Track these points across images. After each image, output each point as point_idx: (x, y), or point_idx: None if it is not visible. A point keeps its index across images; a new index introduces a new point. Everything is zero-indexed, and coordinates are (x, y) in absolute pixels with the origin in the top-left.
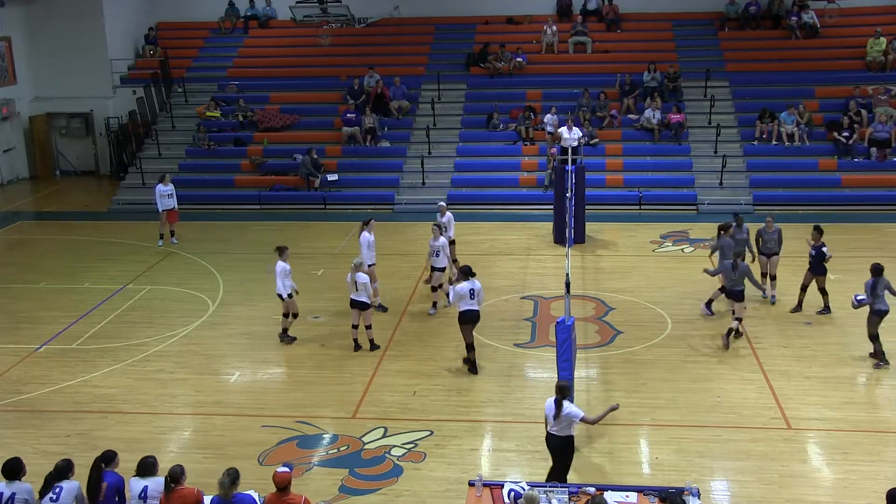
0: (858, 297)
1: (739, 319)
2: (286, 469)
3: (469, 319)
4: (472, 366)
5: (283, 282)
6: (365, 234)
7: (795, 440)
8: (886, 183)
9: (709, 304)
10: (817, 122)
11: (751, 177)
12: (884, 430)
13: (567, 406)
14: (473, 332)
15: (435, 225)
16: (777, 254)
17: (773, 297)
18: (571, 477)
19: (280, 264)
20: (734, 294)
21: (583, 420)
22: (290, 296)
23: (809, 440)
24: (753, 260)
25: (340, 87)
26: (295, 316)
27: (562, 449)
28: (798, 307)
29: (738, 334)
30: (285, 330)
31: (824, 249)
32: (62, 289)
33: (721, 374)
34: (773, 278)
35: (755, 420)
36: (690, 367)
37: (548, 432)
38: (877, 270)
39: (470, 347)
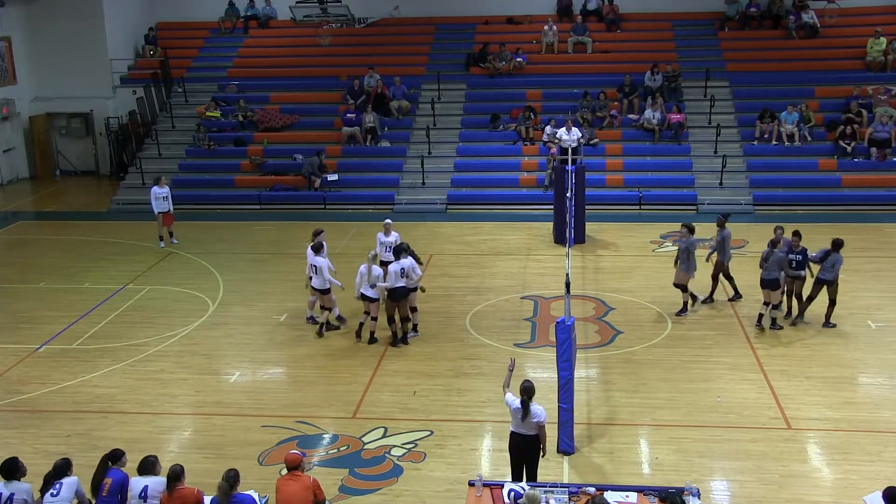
0: (811, 255)
1: (776, 306)
2: (298, 452)
3: (400, 296)
4: (401, 338)
5: (328, 276)
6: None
7: (795, 440)
8: (886, 183)
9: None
10: (817, 121)
11: (751, 177)
12: (884, 430)
13: (535, 409)
14: (408, 309)
15: (405, 251)
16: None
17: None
18: (572, 477)
19: (322, 259)
20: (766, 282)
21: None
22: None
23: (809, 440)
24: (707, 260)
25: (340, 87)
26: (329, 310)
27: (528, 448)
28: (800, 315)
29: (761, 323)
30: (326, 322)
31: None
32: (62, 289)
33: (721, 374)
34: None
35: (755, 420)
36: (690, 367)
37: (513, 432)
38: (836, 245)
39: (405, 319)
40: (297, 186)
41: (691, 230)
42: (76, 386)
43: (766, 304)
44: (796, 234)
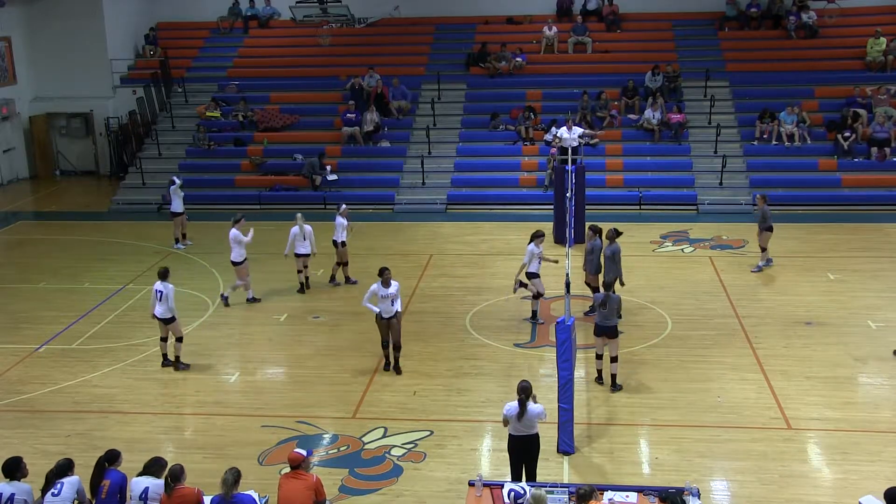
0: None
1: (614, 359)
2: (301, 451)
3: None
4: (393, 365)
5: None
6: (234, 230)
7: (795, 440)
8: (886, 183)
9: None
10: (817, 121)
11: (751, 177)
12: (884, 430)
13: (531, 406)
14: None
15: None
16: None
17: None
18: (572, 477)
19: (166, 285)
20: (602, 329)
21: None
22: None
23: (809, 440)
24: (623, 284)
25: (340, 87)
26: (180, 339)
27: (528, 449)
28: None
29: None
30: (178, 357)
31: None
32: (62, 289)
33: (721, 374)
34: (763, 250)
35: (755, 420)
36: (690, 367)
37: (511, 435)
38: None
39: (398, 347)
40: (297, 186)
41: (595, 231)
42: (76, 386)
43: (601, 356)
44: None
